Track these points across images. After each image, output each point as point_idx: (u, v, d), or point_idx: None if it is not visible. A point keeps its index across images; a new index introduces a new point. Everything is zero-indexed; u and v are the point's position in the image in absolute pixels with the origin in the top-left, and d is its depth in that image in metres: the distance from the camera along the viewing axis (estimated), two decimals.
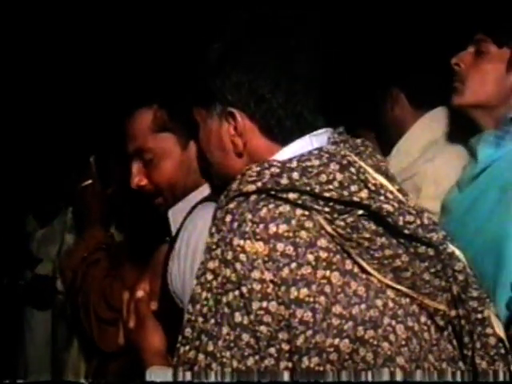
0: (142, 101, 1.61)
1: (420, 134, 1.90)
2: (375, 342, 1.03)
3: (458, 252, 1.12)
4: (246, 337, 1.02)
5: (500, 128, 1.49)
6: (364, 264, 1.05)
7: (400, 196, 1.11)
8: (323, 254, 1.04)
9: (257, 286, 1.03)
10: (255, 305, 1.02)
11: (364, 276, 1.06)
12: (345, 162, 1.09)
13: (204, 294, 1.06)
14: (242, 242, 1.04)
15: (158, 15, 3.46)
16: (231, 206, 1.08)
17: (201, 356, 1.04)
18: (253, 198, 1.07)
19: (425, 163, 1.80)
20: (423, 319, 1.09)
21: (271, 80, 1.14)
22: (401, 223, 1.07)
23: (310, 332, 1.02)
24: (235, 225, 1.06)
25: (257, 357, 1.03)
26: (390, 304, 1.06)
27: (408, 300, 1.08)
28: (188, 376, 1.06)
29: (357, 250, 1.05)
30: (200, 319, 1.06)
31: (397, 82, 2.06)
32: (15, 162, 3.05)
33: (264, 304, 1.02)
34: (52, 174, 2.78)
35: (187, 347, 1.06)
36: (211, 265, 1.07)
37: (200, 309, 1.06)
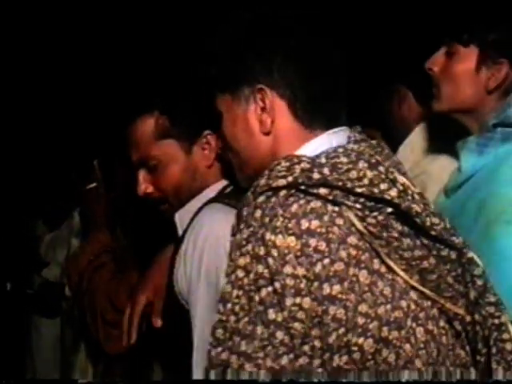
0: (144, 105, 1.62)
1: (426, 133, 1.88)
2: (398, 344, 1.03)
3: (476, 257, 1.12)
4: (280, 334, 1.00)
5: (483, 135, 1.45)
6: (392, 264, 1.04)
7: (422, 198, 1.11)
8: (353, 252, 1.02)
9: (290, 282, 1.00)
10: (289, 301, 1.00)
11: (390, 276, 1.04)
12: (373, 160, 1.09)
13: (235, 292, 1.03)
14: (273, 237, 1.02)
15: (159, 19, 3.46)
16: (260, 200, 1.07)
17: (233, 357, 1.02)
18: (282, 193, 1.05)
19: (430, 162, 1.78)
20: (442, 323, 1.08)
21: (301, 60, 1.16)
22: (428, 224, 1.07)
23: (342, 330, 1.00)
24: (266, 219, 1.04)
25: (291, 355, 1.00)
26: (413, 306, 1.05)
27: (429, 303, 1.07)
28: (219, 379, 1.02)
29: (386, 249, 1.04)
30: (232, 318, 1.03)
31: (403, 81, 2.05)
32: (25, 167, 3.06)
33: (297, 300, 1.00)
34: (61, 178, 2.79)
35: (219, 349, 1.03)
36: (242, 261, 1.04)
37: (231, 308, 1.03)
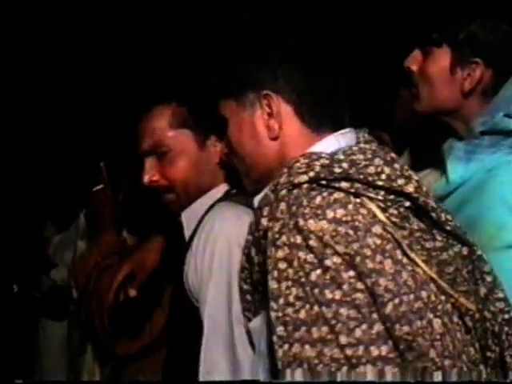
0: (157, 99, 1.62)
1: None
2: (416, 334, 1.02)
3: (484, 255, 1.14)
4: (344, 310, 0.99)
5: (470, 141, 1.41)
6: (413, 255, 1.04)
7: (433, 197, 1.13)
8: (377, 241, 1.02)
9: (337, 259, 1.00)
10: (344, 274, 1.00)
11: (410, 268, 1.04)
12: (388, 158, 1.11)
13: (283, 285, 1.02)
14: (306, 223, 1.02)
15: (166, 17, 3.47)
16: (282, 193, 1.07)
17: (307, 347, 0.99)
18: (305, 186, 1.06)
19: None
20: (455, 319, 1.08)
21: (306, 63, 1.16)
22: (443, 219, 1.09)
23: (397, 300, 1.00)
24: (293, 208, 1.04)
25: (363, 326, 0.99)
26: (433, 297, 1.05)
27: (444, 297, 1.07)
28: (298, 374, 0.99)
29: (407, 239, 1.05)
30: (290, 310, 1.01)
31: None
32: (34, 168, 3.07)
33: (351, 273, 1.00)
34: (69, 179, 2.79)
35: (286, 346, 1.01)
36: (280, 254, 1.03)
37: (285, 301, 1.01)
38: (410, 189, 1.07)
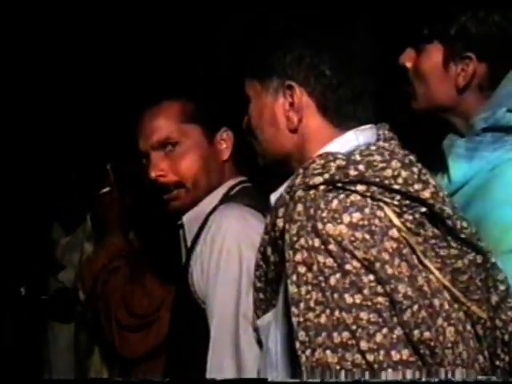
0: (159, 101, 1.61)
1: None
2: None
3: (498, 263, 1.12)
4: (364, 315, 0.98)
5: (471, 138, 1.37)
6: (427, 262, 1.03)
7: (451, 202, 1.11)
8: (394, 244, 1.01)
9: (356, 264, 0.99)
10: (365, 278, 0.99)
11: (424, 274, 1.04)
12: (407, 160, 1.08)
13: (303, 289, 1.01)
14: (325, 227, 1.01)
15: (170, 14, 3.46)
16: (299, 194, 1.06)
17: (328, 352, 0.99)
18: (321, 187, 1.05)
19: None
20: (468, 327, 1.07)
21: (332, 57, 1.14)
22: (458, 227, 1.07)
23: (416, 307, 0.99)
24: (311, 211, 1.03)
25: (384, 330, 0.98)
26: (446, 306, 1.04)
27: (457, 305, 1.06)
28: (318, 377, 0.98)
29: (422, 246, 1.04)
30: (311, 315, 1.00)
31: None
32: (41, 170, 3.07)
33: (371, 277, 0.99)
34: (77, 181, 2.79)
35: (308, 351, 1.00)
36: (299, 257, 1.02)
37: (306, 306, 1.00)
38: (427, 194, 1.05)
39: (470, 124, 1.38)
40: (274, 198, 1.17)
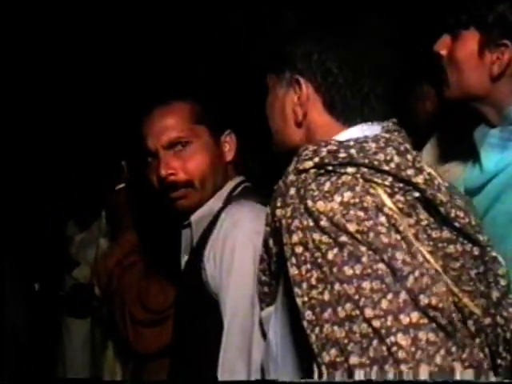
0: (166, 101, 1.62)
1: (440, 142, 1.87)
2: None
3: (499, 257, 1.10)
4: (367, 284, 0.96)
5: (505, 128, 1.35)
6: (419, 245, 1.00)
7: (449, 192, 1.09)
8: (388, 220, 1.00)
9: (349, 240, 0.98)
10: (362, 248, 0.97)
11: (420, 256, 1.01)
12: (402, 148, 1.08)
13: (303, 269, 1.00)
14: (315, 204, 1.01)
15: (177, 15, 3.47)
16: (290, 179, 1.07)
17: (336, 328, 0.96)
18: (312, 171, 1.06)
19: (444, 173, 1.74)
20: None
21: (340, 55, 1.15)
22: (452, 215, 1.06)
23: (417, 273, 0.97)
24: (301, 191, 1.03)
25: (389, 296, 0.95)
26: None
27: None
28: (334, 354, 0.95)
29: (414, 228, 1.02)
30: (314, 293, 0.99)
31: (426, 78, 2.05)
32: (56, 167, 3.09)
33: (364, 247, 0.98)
34: (92, 178, 2.81)
35: (317, 329, 0.98)
36: (295, 238, 1.01)
37: (308, 285, 0.99)
38: (419, 180, 1.04)
39: (503, 114, 1.37)
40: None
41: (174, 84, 1.70)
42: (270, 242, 1.15)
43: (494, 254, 1.09)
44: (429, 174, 1.07)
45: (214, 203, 1.58)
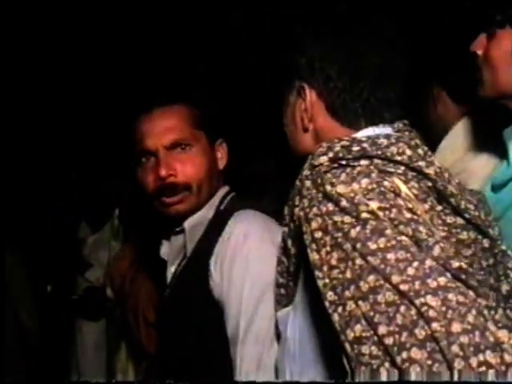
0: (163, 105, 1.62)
1: (465, 130, 1.87)
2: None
3: (510, 251, 1.11)
4: (391, 256, 0.95)
5: None
6: (433, 229, 1.01)
7: (459, 187, 1.11)
8: (408, 204, 1.01)
9: (372, 216, 0.98)
10: (385, 222, 0.97)
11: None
12: (413, 143, 1.11)
13: (323, 252, 1.00)
14: (335, 188, 1.02)
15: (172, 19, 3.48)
16: (305, 173, 1.09)
17: (360, 302, 0.95)
18: (326, 163, 1.08)
19: (470, 160, 1.77)
20: None
21: (339, 61, 1.17)
22: (462, 207, 1.07)
23: (442, 243, 0.97)
24: (319, 181, 1.05)
25: (415, 264, 0.94)
26: None
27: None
28: (358, 330, 0.94)
29: (428, 214, 1.03)
30: (335, 273, 0.99)
31: (437, 80, 2.05)
32: (68, 169, 3.10)
33: (387, 222, 0.97)
34: (104, 180, 2.81)
35: (340, 308, 0.97)
36: (314, 224, 1.02)
37: (328, 267, 0.99)
38: (431, 171, 1.06)
39: None
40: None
41: (174, 85, 1.69)
42: (289, 242, 1.16)
43: (503, 247, 1.11)
44: (439, 167, 1.09)
45: (208, 211, 1.57)
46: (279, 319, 1.25)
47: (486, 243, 1.09)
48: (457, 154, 1.81)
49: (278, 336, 1.26)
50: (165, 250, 1.64)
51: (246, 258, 1.43)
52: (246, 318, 1.40)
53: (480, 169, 1.68)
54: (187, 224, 1.55)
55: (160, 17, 3.53)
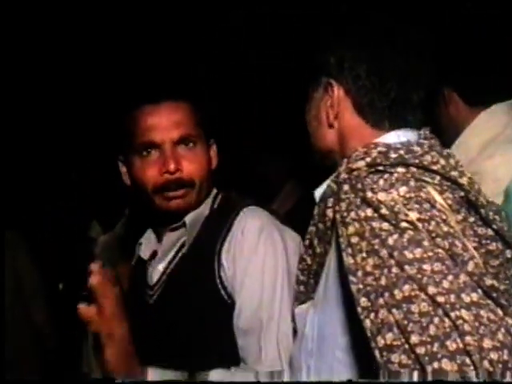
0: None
1: (478, 132, 1.88)
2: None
3: None
4: (427, 266, 0.97)
5: None
6: (465, 240, 1.03)
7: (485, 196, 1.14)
8: (443, 215, 1.03)
9: (410, 226, 1.00)
10: (423, 233, 0.99)
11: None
12: (445, 153, 1.14)
13: (359, 258, 1.02)
14: (376, 195, 1.03)
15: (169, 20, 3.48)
16: (342, 176, 1.11)
17: (394, 310, 0.96)
18: (364, 169, 1.09)
19: (484, 161, 1.77)
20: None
21: (369, 61, 1.20)
22: (491, 218, 1.10)
23: (476, 259, 1.00)
24: (358, 185, 1.07)
25: (450, 277, 0.96)
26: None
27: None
28: (390, 338, 0.95)
29: (461, 224, 1.05)
30: (369, 280, 1.00)
31: (448, 82, 2.04)
32: (80, 168, 3.12)
33: (425, 234, 0.99)
34: (116, 179, 2.82)
35: (372, 314, 0.99)
36: (351, 229, 1.04)
37: (363, 272, 1.01)
38: (464, 181, 1.09)
39: None
40: (317, 193, 1.22)
41: (174, 85, 1.69)
42: (315, 241, 1.18)
43: None
44: (470, 177, 1.12)
45: (204, 209, 1.59)
46: (297, 315, 1.28)
47: (508, 254, 1.12)
48: (469, 155, 1.81)
49: (294, 331, 1.29)
50: (145, 249, 1.66)
51: (264, 252, 1.46)
52: (267, 309, 1.43)
53: (493, 170, 1.69)
54: (188, 219, 1.56)
55: (160, 17, 3.54)
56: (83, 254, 2.91)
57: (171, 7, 3.51)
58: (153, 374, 1.33)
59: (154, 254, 1.66)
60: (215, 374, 1.36)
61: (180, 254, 1.58)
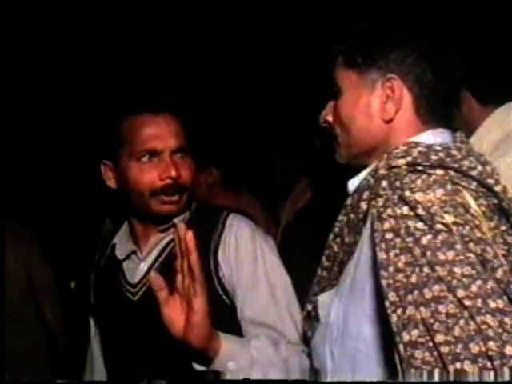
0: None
1: (491, 131, 1.88)
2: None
3: None
4: (458, 269, 0.99)
5: None
6: (495, 247, 1.05)
7: None
8: (476, 221, 1.05)
9: (445, 228, 1.02)
10: (456, 236, 1.01)
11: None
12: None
13: (391, 254, 1.04)
14: (414, 195, 1.05)
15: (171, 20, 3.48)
16: (381, 172, 1.12)
17: (422, 308, 0.99)
18: (404, 167, 1.11)
19: (496, 160, 1.77)
20: None
21: (434, 60, 1.20)
22: None
23: (506, 267, 1.02)
24: (397, 183, 1.08)
25: (478, 282, 0.98)
26: None
27: None
28: (415, 335, 0.97)
29: (492, 232, 1.07)
30: (400, 276, 1.02)
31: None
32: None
33: (458, 237, 1.01)
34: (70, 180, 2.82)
35: (399, 310, 1.01)
36: (387, 225, 1.06)
37: (394, 268, 1.03)
38: (498, 189, 1.11)
39: None
40: (351, 184, 1.24)
41: (174, 85, 1.71)
42: (345, 231, 1.20)
43: None
44: (504, 186, 1.13)
45: (185, 214, 1.67)
46: (320, 303, 1.29)
47: None
48: (486, 153, 1.81)
49: (317, 318, 1.30)
50: (120, 249, 1.75)
51: (261, 254, 1.58)
52: (277, 300, 1.54)
53: (506, 169, 1.69)
54: (177, 220, 1.64)
55: (159, 17, 3.55)
56: (95, 251, 2.91)
57: (171, 7, 3.52)
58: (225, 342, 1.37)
59: (129, 254, 1.73)
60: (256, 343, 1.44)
61: (165, 253, 1.66)
